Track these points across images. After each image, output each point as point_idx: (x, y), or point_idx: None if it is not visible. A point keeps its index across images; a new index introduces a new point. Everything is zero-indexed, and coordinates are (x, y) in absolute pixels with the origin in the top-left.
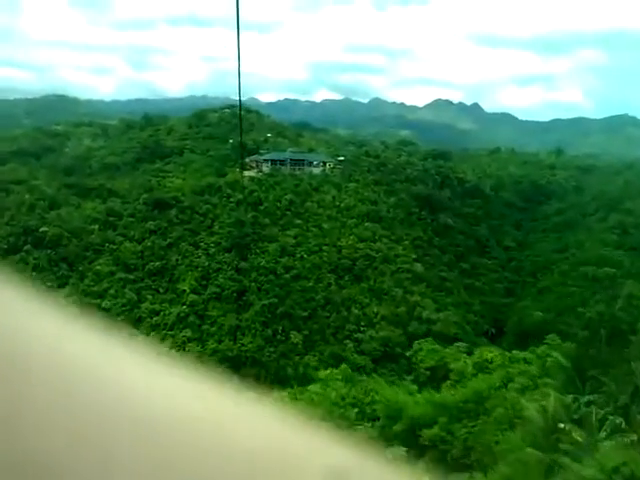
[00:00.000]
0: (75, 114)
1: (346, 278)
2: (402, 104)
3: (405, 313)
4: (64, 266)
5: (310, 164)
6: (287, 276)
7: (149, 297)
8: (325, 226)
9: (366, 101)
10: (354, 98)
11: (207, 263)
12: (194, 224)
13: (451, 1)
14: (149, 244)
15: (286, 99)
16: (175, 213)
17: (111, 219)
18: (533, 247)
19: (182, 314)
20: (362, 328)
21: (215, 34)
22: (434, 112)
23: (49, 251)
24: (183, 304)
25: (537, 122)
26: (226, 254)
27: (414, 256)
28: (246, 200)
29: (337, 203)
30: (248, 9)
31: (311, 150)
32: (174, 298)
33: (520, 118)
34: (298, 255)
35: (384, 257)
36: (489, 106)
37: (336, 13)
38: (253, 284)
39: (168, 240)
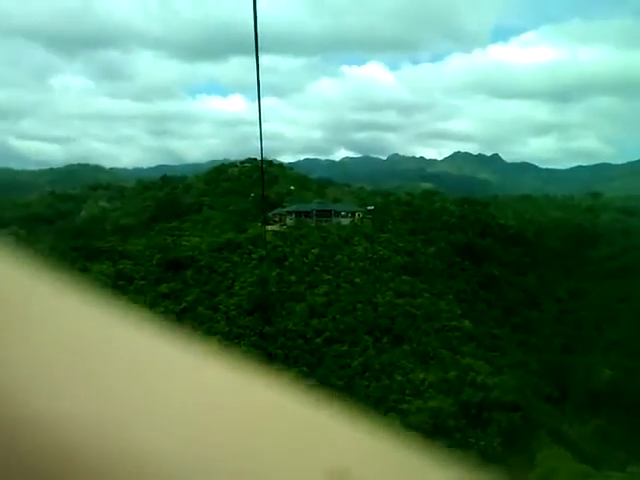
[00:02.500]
0: (96, 180)
1: (385, 340)
2: (421, 158)
3: (456, 378)
4: None
5: (337, 215)
6: (318, 340)
7: None
8: (358, 281)
9: (385, 157)
10: (373, 155)
11: (227, 328)
12: (212, 285)
13: (463, 58)
14: (162, 309)
15: (306, 159)
16: (191, 274)
17: (120, 283)
18: (588, 296)
19: None
20: (407, 398)
21: (234, 101)
22: (454, 164)
23: None
24: None
25: (558, 170)
26: (248, 317)
27: (460, 311)
28: (269, 256)
29: (370, 255)
30: (266, 75)
31: (337, 201)
32: None
33: (541, 166)
34: (329, 315)
35: (426, 314)
36: (508, 156)
37: (350, 74)
38: (280, 351)
39: (183, 304)
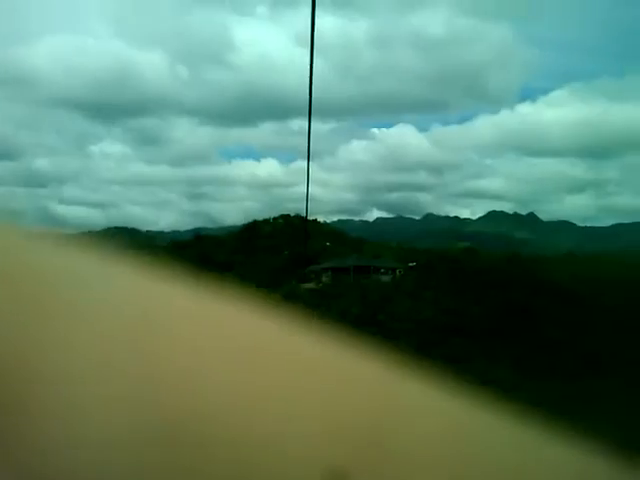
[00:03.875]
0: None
1: None
2: (456, 217)
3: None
4: None
5: (377, 271)
6: None
7: None
8: (403, 344)
9: (419, 217)
10: (406, 215)
11: None
12: None
13: (491, 118)
14: None
15: (339, 220)
16: None
17: None
18: None
19: None
20: None
21: (266, 164)
22: (489, 224)
23: None
24: None
25: (598, 227)
26: None
27: (518, 378)
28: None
29: (415, 315)
30: (296, 139)
31: (376, 257)
32: None
33: (579, 224)
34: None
35: (481, 382)
36: (544, 215)
37: (380, 136)
38: None
39: None
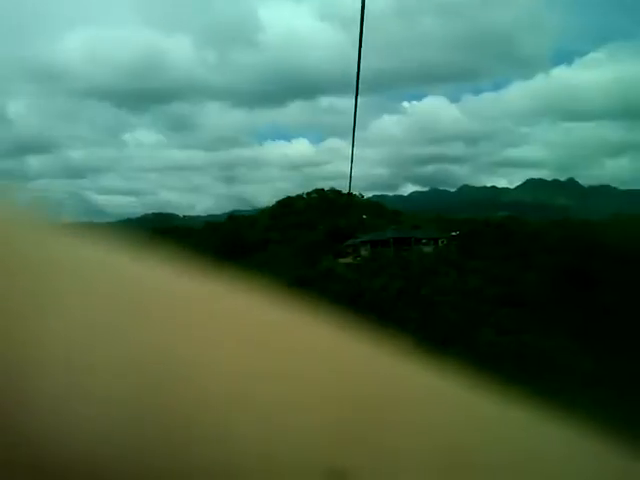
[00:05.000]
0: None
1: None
2: (493, 187)
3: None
4: None
5: (418, 242)
6: None
7: None
8: (451, 317)
9: (454, 189)
10: (442, 188)
11: None
12: None
13: (525, 84)
14: None
15: (374, 195)
16: None
17: None
18: None
19: None
20: None
21: (298, 144)
22: (528, 192)
23: None
24: None
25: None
26: None
27: (576, 349)
28: (345, 292)
29: (461, 286)
30: (325, 116)
31: (415, 228)
32: None
33: (620, 188)
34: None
35: (537, 353)
36: (584, 180)
37: (411, 109)
38: None
39: None
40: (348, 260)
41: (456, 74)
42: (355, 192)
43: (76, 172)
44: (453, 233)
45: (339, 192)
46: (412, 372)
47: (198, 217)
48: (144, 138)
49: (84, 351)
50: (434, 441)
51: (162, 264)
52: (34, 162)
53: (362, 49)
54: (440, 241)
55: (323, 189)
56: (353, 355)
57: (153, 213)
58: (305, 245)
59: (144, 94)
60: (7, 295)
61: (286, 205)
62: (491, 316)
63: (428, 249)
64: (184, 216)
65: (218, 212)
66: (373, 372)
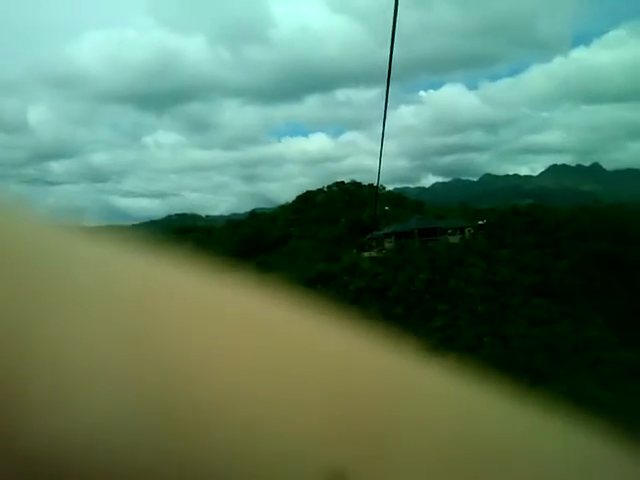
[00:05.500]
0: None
1: (524, 380)
2: (515, 175)
3: (624, 427)
4: None
5: (444, 233)
6: None
7: None
8: (480, 310)
9: (476, 179)
10: (464, 178)
11: None
12: None
13: (543, 67)
14: None
15: (395, 188)
16: None
17: None
18: None
19: None
20: None
21: (316, 139)
22: (552, 178)
23: None
24: None
25: None
26: None
27: (615, 339)
28: (370, 287)
29: (490, 277)
30: (342, 110)
31: (439, 218)
32: None
33: None
34: (450, 355)
35: (573, 345)
36: (609, 164)
37: (428, 99)
38: None
39: None
40: (372, 253)
41: (473, 60)
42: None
43: (98, 176)
44: (480, 222)
45: (359, 184)
46: (416, 370)
47: (221, 217)
48: (164, 139)
49: (100, 352)
50: (438, 439)
51: (180, 265)
52: (56, 167)
53: (375, 40)
54: (467, 230)
55: (343, 182)
56: (360, 354)
57: (176, 214)
58: (327, 239)
59: (162, 95)
60: (27, 297)
61: (306, 199)
62: (523, 307)
63: (454, 239)
64: (207, 216)
65: (240, 211)
66: (377, 371)
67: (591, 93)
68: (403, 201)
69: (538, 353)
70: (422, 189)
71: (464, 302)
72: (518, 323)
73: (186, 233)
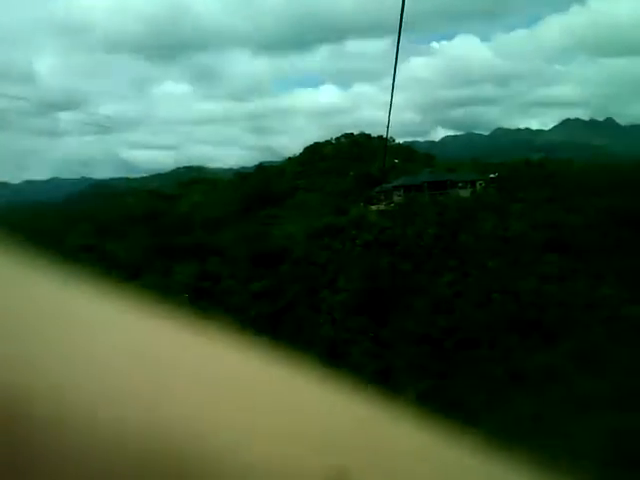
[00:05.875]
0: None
1: (535, 338)
2: (527, 129)
3: (637, 385)
4: None
5: (454, 186)
6: (448, 343)
7: None
8: (491, 265)
9: (488, 132)
10: (475, 131)
11: (332, 333)
12: (312, 280)
13: (559, 17)
14: (253, 313)
15: (405, 142)
16: (286, 268)
17: (206, 284)
18: None
19: None
20: (573, 416)
21: (326, 91)
22: (564, 133)
23: None
24: None
25: None
26: (357, 318)
27: (627, 296)
28: (378, 241)
29: (501, 232)
30: (353, 61)
31: (450, 171)
32: None
33: None
34: (459, 311)
35: (586, 301)
36: (623, 119)
37: (440, 50)
38: (400, 360)
39: (279, 304)
40: (380, 207)
41: (487, 11)
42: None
43: (107, 128)
44: (492, 175)
45: (369, 136)
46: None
47: (229, 170)
48: (172, 90)
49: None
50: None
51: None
52: (64, 117)
53: None
54: (478, 184)
55: (352, 133)
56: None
57: (184, 167)
58: (335, 192)
59: (170, 45)
60: None
61: (314, 151)
62: (535, 263)
63: (465, 193)
64: (214, 169)
65: (249, 164)
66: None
67: (608, 45)
68: (413, 154)
69: (550, 310)
70: (432, 143)
71: (474, 258)
72: (529, 279)
73: (192, 185)
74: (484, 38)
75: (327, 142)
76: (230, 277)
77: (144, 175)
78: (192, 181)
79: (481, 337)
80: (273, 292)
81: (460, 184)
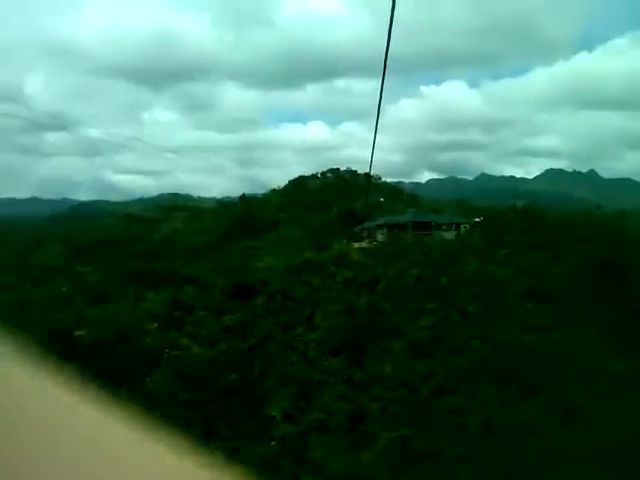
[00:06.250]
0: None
1: (513, 389)
2: (511, 177)
3: (615, 443)
4: (104, 384)
5: (438, 227)
6: (425, 390)
7: (221, 429)
8: (472, 310)
9: (472, 178)
10: (459, 176)
11: (306, 373)
12: (287, 316)
13: (545, 70)
14: (224, 347)
15: (391, 181)
16: (262, 301)
17: (177, 314)
18: None
19: (269, 456)
20: (547, 472)
21: (314, 127)
22: (548, 182)
23: (83, 363)
24: (271, 440)
25: None
26: (333, 359)
27: (610, 349)
28: (358, 279)
29: (485, 277)
30: (342, 99)
31: (435, 212)
32: (258, 430)
33: None
34: (437, 356)
35: (567, 354)
36: (605, 172)
37: (429, 94)
38: (374, 405)
39: (251, 340)
40: (363, 244)
41: (476, 58)
42: (372, 174)
43: (93, 150)
44: (476, 219)
45: (355, 172)
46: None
47: (213, 198)
48: (162, 117)
49: None
50: None
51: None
52: (51, 139)
53: (380, 31)
54: (462, 227)
55: (339, 169)
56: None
57: (169, 193)
58: (318, 227)
59: (162, 72)
60: None
61: (299, 185)
62: (517, 311)
63: (449, 235)
64: (199, 197)
65: (234, 194)
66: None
67: (591, 99)
68: (399, 193)
69: (530, 360)
70: (417, 184)
71: (455, 301)
72: (510, 328)
73: (174, 211)
74: (472, 84)
75: (313, 176)
76: (203, 308)
77: (127, 199)
78: (174, 207)
79: (458, 385)
80: (246, 326)
81: (444, 226)
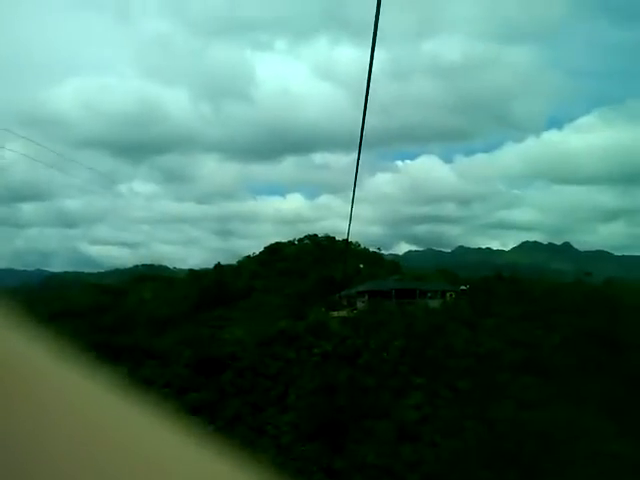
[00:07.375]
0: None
1: (511, 473)
2: (488, 249)
3: None
4: None
5: (423, 295)
6: (414, 478)
7: None
8: (462, 386)
9: (449, 250)
10: (437, 248)
11: (279, 460)
12: (257, 394)
13: (517, 146)
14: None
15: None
16: (230, 377)
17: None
18: None
19: None
20: None
21: (292, 199)
22: (524, 254)
23: None
24: None
25: (634, 256)
26: (309, 445)
27: (610, 426)
28: (337, 351)
29: (474, 348)
30: (319, 173)
31: (419, 279)
32: None
33: (615, 254)
34: (426, 438)
35: (566, 432)
36: (578, 244)
37: (405, 168)
38: None
39: (217, 422)
40: (342, 313)
41: (449, 134)
42: (351, 240)
43: (69, 221)
44: (462, 287)
45: (333, 239)
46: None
47: (190, 270)
48: (139, 189)
49: None
50: None
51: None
52: (27, 209)
53: (355, 107)
54: (448, 294)
55: (316, 235)
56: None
57: (144, 265)
58: (294, 295)
59: (140, 145)
60: None
61: (275, 251)
62: (511, 385)
63: (434, 304)
64: (174, 268)
65: (210, 266)
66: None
67: (562, 174)
68: (379, 260)
69: (528, 441)
70: (396, 256)
71: (444, 376)
72: (505, 404)
73: (144, 281)
74: (446, 159)
75: (289, 243)
76: (165, 385)
77: (102, 270)
78: (144, 277)
79: (450, 473)
80: (212, 406)
81: (429, 294)
